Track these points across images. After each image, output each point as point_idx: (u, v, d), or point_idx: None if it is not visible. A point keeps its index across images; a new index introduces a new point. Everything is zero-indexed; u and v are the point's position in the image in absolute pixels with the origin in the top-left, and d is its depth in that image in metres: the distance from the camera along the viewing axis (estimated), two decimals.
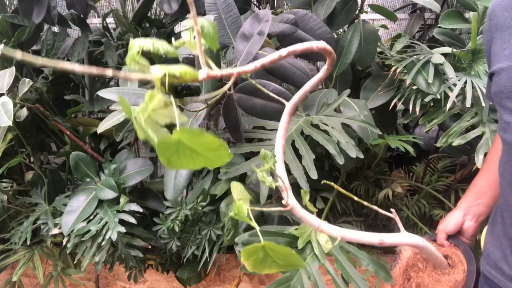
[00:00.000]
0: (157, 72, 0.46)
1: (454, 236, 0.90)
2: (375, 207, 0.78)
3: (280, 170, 0.72)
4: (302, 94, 0.77)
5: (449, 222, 0.87)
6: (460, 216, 0.87)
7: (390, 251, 1.72)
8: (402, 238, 0.73)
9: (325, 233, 0.71)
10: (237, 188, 0.66)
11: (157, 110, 0.49)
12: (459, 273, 0.83)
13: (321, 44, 0.59)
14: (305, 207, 0.72)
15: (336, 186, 0.82)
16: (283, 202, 0.69)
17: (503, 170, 0.72)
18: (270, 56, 0.55)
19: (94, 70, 0.42)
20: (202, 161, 0.46)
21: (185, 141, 0.43)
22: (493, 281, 0.72)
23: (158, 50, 0.50)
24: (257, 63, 0.54)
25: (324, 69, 0.70)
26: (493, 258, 0.72)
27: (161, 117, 0.49)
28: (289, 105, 0.77)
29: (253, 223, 0.60)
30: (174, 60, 1.80)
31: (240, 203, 0.61)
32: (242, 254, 0.57)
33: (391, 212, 0.79)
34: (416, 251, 0.89)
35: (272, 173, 0.70)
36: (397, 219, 0.78)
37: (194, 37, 0.48)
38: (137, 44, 0.49)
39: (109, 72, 0.43)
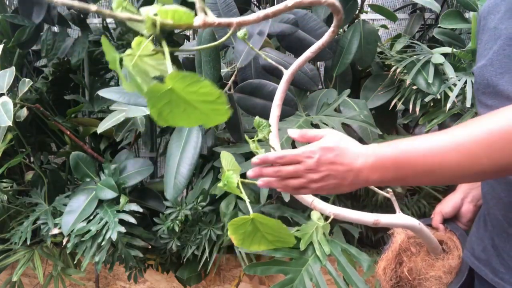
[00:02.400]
0: (148, 11, 0.39)
1: (451, 221, 0.86)
2: (373, 187, 0.76)
3: (274, 141, 0.69)
4: (303, 61, 0.73)
5: (447, 204, 0.85)
6: (459, 198, 0.84)
7: None
8: (398, 219, 0.71)
9: (318, 210, 0.69)
10: (227, 158, 0.62)
11: (146, 58, 0.41)
12: (453, 259, 0.80)
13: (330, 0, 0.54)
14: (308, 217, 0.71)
15: None
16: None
17: None
18: (276, 6, 0.48)
19: (76, 3, 0.36)
20: (197, 117, 0.40)
21: (178, 90, 0.37)
22: (480, 275, 0.72)
23: None
24: (260, 13, 0.47)
25: (330, 31, 0.65)
26: (481, 257, 0.73)
27: (150, 68, 0.42)
28: (287, 72, 0.74)
29: (243, 195, 0.56)
30: (174, 60, 1.80)
31: (229, 172, 0.57)
32: (230, 227, 0.54)
33: (388, 193, 0.78)
34: (410, 235, 0.86)
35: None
36: (393, 199, 0.76)
37: None
38: None
39: (93, 7, 0.36)
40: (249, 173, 0.63)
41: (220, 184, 0.57)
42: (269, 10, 0.48)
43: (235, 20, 0.45)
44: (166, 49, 0.40)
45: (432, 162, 0.52)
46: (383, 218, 0.69)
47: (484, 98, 0.66)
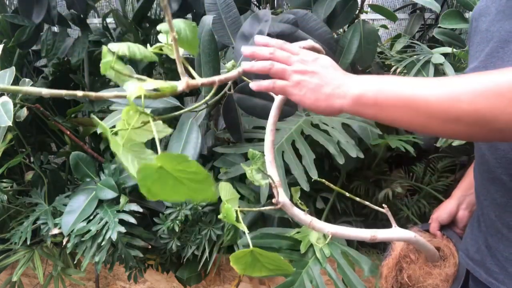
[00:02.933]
0: (131, 90, 0.42)
1: (447, 228, 0.88)
2: (367, 203, 0.78)
3: (270, 169, 0.71)
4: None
5: (443, 211, 0.86)
6: (454, 205, 0.86)
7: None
8: (394, 233, 0.73)
9: (317, 230, 0.71)
10: (225, 188, 0.65)
11: (136, 129, 0.45)
12: (450, 267, 0.81)
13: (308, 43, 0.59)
14: (296, 205, 0.72)
15: (330, 185, 0.82)
16: (273, 200, 0.68)
17: (476, 174, 0.74)
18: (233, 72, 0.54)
19: (63, 92, 0.39)
20: (185, 192, 0.42)
21: (167, 168, 0.39)
22: (474, 276, 0.73)
23: (135, 55, 0.46)
24: (239, 69, 0.53)
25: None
26: (475, 258, 0.73)
27: (142, 135, 0.45)
28: (278, 98, 0.76)
29: (243, 227, 0.60)
30: (173, 60, 1.80)
31: (228, 206, 0.60)
32: (231, 259, 0.58)
33: (383, 208, 0.79)
34: (407, 244, 0.88)
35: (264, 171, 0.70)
36: (389, 214, 0.78)
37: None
38: (112, 49, 0.44)
39: (79, 93, 0.40)
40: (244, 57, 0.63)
41: (220, 216, 0.62)
42: (230, 74, 0.54)
43: (217, 78, 0.49)
44: (154, 129, 0.43)
45: (411, 98, 0.51)
46: (379, 234, 0.72)
47: None
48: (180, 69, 0.43)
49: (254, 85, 0.60)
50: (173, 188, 0.41)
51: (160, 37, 0.52)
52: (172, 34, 0.41)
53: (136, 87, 0.42)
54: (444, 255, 0.84)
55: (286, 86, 0.58)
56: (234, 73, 0.51)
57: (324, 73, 0.57)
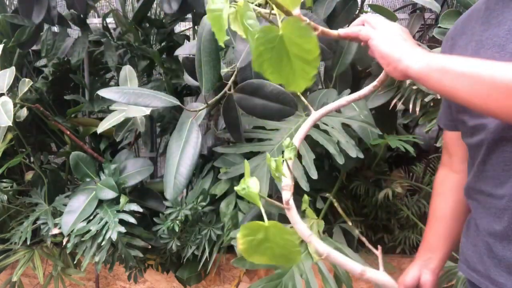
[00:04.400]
0: None
1: None
2: (364, 239, 0.77)
3: (287, 169, 0.71)
4: (335, 107, 0.79)
5: (407, 276, 0.85)
6: (416, 270, 0.84)
7: (389, 251, 1.72)
8: (382, 277, 0.72)
9: (313, 246, 0.68)
10: (247, 166, 0.62)
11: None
12: None
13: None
14: (303, 213, 0.70)
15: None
16: (284, 199, 0.68)
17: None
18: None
19: None
20: (287, 74, 0.41)
21: (286, 37, 0.38)
22: (474, 284, 0.73)
23: None
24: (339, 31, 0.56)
25: (372, 85, 0.73)
26: (472, 261, 0.74)
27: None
28: (316, 114, 0.79)
29: (260, 206, 0.56)
30: (174, 60, 1.80)
31: (250, 180, 0.56)
32: (241, 230, 0.52)
33: (377, 249, 0.80)
34: None
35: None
36: (380, 256, 0.78)
37: None
38: None
39: None
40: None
41: (237, 188, 0.56)
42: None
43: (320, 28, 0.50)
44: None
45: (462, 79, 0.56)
46: (369, 272, 0.71)
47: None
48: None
49: (342, 31, 0.68)
50: (279, 63, 0.40)
51: None
52: None
53: None
54: None
55: (370, 31, 0.67)
56: (334, 32, 0.54)
57: (399, 40, 0.64)
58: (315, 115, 0.79)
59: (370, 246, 0.79)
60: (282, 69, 0.41)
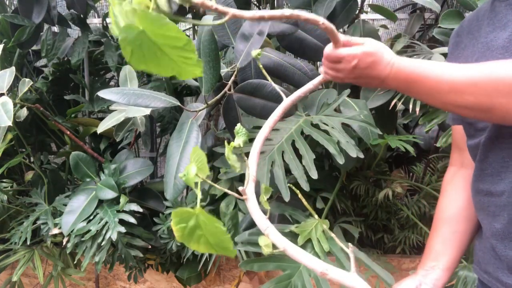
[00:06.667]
0: None
1: None
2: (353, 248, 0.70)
3: (252, 159, 0.68)
4: (303, 92, 0.78)
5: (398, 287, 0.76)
6: (414, 282, 0.75)
7: (390, 251, 1.72)
8: (347, 278, 0.60)
9: (271, 240, 0.62)
10: (196, 153, 0.60)
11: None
12: None
13: (327, 23, 0.61)
14: (260, 204, 0.66)
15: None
16: (240, 189, 0.64)
17: (474, 187, 0.73)
18: (272, 11, 0.52)
19: None
20: (168, 64, 0.40)
21: (147, 31, 0.37)
22: (487, 285, 0.72)
23: None
24: (256, 13, 0.51)
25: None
26: (483, 263, 0.73)
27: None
28: (287, 100, 0.78)
29: (198, 192, 0.54)
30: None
31: (191, 166, 0.55)
32: (173, 216, 0.50)
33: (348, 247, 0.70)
34: None
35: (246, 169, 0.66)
36: (351, 256, 0.67)
37: None
38: None
39: None
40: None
41: (180, 174, 0.56)
42: (265, 12, 0.50)
43: (231, 10, 0.47)
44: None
45: (432, 86, 0.63)
46: (332, 272, 0.59)
47: None
48: None
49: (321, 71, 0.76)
50: (156, 57, 0.39)
51: None
52: None
53: None
54: None
55: (345, 80, 0.74)
56: (249, 13, 0.51)
57: (367, 74, 0.70)
58: (286, 101, 0.78)
59: (345, 248, 0.72)
60: (162, 62, 0.39)
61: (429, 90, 0.63)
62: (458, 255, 0.77)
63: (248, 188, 0.64)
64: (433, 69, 0.63)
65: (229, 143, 0.65)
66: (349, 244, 0.71)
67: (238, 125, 0.66)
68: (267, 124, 0.74)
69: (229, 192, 0.65)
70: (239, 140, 0.65)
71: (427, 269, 0.76)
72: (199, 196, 0.53)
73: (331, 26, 0.64)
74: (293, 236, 1.17)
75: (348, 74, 0.71)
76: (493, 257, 0.70)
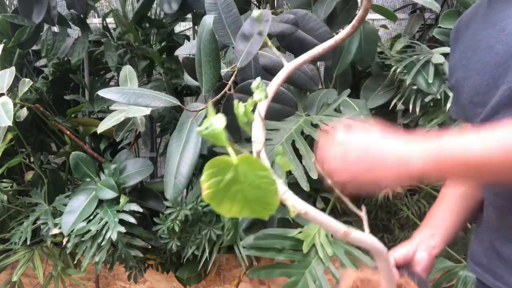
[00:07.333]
0: None
1: (406, 268, 0.78)
2: (347, 202, 0.70)
3: (257, 123, 0.61)
4: (310, 57, 0.71)
5: (399, 252, 0.78)
6: (411, 246, 0.77)
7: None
8: (368, 238, 0.65)
9: (288, 203, 0.59)
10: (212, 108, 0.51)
11: None
12: None
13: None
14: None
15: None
16: (254, 150, 0.57)
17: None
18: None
19: None
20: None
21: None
22: (480, 280, 0.73)
23: None
24: None
25: (351, 25, 0.64)
26: (477, 256, 0.74)
27: None
28: (291, 64, 0.71)
29: (227, 144, 0.44)
30: (174, 60, 1.80)
31: (213, 118, 0.45)
32: (206, 170, 0.42)
33: (361, 210, 0.71)
34: (362, 277, 0.75)
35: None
36: (364, 218, 0.70)
37: None
38: None
39: None
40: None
41: (200, 129, 0.44)
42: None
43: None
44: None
45: (468, 170, 0.53)
46: (354, 232, 0.63)
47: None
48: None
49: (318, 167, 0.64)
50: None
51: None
52: None
53: None
54: None
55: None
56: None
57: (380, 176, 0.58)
58: (289, 65, 0.71)
59: (355, 209, 0.72)
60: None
61: (474, 174, 0.53)
62: (455, 227, 0.78)
63: (263, 151, 0.58)
64: (457, 148, 0.52)
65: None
66: (362, 206, 0.72)
67: (258, 79, 0.58)
68: (274, 82, 0.69)
69: (244, 150, 0.52)
70: (260, 95, 0.57)
71: (426, 236, 0.77)
72: (232, 152, 0.43)
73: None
74: (297, 242, 1.16)
75: (346, 164, 0.60)
76: (488, 250, 0.70)
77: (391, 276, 0.69)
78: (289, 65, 0.71)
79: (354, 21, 0.65)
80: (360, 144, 0.57)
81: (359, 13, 0.64)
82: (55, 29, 1.78)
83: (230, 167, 0.42)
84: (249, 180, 0.43)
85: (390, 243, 1.71)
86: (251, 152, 0.57)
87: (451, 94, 1.27)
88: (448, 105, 1.26)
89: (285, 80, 0.71)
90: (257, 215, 0.47)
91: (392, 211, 1.68)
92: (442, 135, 0.54)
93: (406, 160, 0.54)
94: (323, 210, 1.41)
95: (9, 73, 1.39)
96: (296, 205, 0.59)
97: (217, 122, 0.43)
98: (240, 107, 0.53)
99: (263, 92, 0.57)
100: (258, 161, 0.43)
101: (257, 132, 0.60)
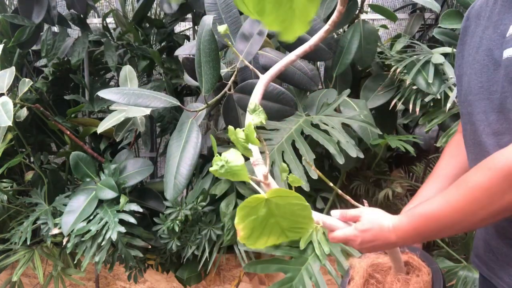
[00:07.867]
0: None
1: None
2: (340, 192, 0.79)
3: (255, 149, 0.61)
4: (287, 63, 0.75)
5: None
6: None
7: None
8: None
9: (325, 225, 0.70)
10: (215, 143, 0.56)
11: None
12: (424, 275, 0.79)
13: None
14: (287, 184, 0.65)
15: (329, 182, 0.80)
16: (260, 173, 0.57)
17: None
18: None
19: None
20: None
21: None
22: (481, 275, 0.76)
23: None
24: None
25: (323, 29, 0.67)
26: (476, 247, 0.77)
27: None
28: (266, 76, 0.75)
29: (249, 179, 0.46)
30: (174, 60, 1.80)
31: (226, 153, 0.45)
32: (239, 212, 0.43)
33: (363, 204, 0.78)
34: (372, 263, 0.83)
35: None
36: (366, 205, 0.77)
37: None
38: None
39: None
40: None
41: (213, 168, 0.44)
42: None
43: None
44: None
45: (441, 225, 0.62)
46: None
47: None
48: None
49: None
50: (283, 6, 0.33)
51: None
52: None
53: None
54: (412, 267, 0.81)
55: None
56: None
57: (375, 245, 0.70)
58: (266, 75, 0.74)
59: (353, 202, 0.79)
60: (281, 8, 0.33)
61: (444, 228, 0.63)
62: None
63: (268, 173, 0.57)
64: (431, 212, 0.63)
65: (229, 143, 0.62)
66: (364, 201, 0.81)
67: (253, 103, 0.58)
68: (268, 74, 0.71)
69: (254, 178, 0.55)
70: (259, 118, 0.58)
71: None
72: (257, 187, 0.45)
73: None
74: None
75: (360, 248, 0.72)
76: (481, 241, 0.74)
77: (398, 255, 0.77)
78: (264, 78, 0.73)
79: (327, 25, 0.67)
80: (366, 239, 0.71)
81: (332, 17, 0.66)
82: (55, 29, 1.78)
83: (262, 203, 0.42)
84: (282, 211, 0.44)
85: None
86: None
87: (451, 94, 1.27)
88: (448, 105, 1.26)
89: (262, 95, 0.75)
90: (292, 239, 0.50)
91: (392, 211, 1.68)
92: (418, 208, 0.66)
93: (392, 244, 0.70)
94: (323, 210, 1.41)
95: (9, 73, 1.39)
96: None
97: (235, 158, 0.43)
98: (239, 133, 0.52)
99: (262, 115, 0.58)
100: (288, 191, 0.43)
101: (256, 153, 0.60)
